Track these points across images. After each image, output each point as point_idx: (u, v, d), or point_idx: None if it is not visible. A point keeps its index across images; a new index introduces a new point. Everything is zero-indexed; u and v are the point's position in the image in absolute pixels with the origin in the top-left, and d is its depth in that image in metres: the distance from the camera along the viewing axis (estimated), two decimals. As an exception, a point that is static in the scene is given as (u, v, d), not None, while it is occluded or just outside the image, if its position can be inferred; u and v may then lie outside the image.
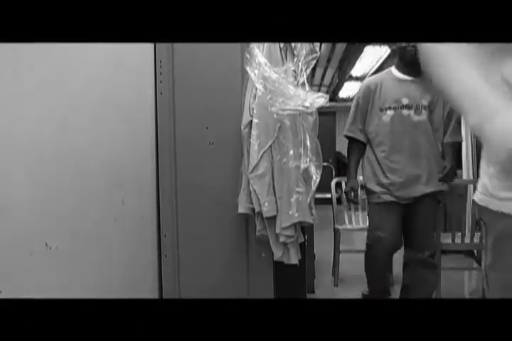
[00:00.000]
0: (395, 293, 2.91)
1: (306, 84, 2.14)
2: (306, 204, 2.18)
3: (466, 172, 4.39)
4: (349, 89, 8.91)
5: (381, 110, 2.60)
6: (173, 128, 2.32)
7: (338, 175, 7.77)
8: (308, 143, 2.16)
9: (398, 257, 2.78)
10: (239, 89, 2.25)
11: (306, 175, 2.18)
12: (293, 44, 2.17)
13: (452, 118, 2.61)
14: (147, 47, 2.28)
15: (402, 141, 2.56)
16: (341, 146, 8.90)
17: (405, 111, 2.55)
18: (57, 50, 1.42)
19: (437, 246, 2.90)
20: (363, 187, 2.73)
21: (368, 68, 6.88)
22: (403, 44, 2.50)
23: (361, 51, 5.88)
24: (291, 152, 2.13)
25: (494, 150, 0.85)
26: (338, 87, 8.91)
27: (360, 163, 2.76)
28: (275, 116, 2.09)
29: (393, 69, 2.66)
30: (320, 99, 2.03)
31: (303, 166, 2.15)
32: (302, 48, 2.14)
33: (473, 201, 1.04)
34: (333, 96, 9.53)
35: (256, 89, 2.10)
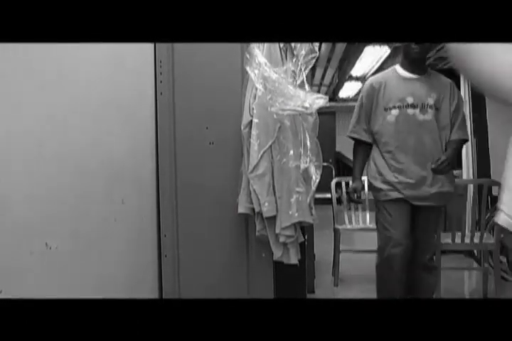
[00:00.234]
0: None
1: (306, 84, 2.14)
2: (306, 204, 2.17)
3: (466, 172, 4.38)
4: (349, 89, 8.94)
5: (385, 109, 2.54)
6: (173, 128, 2.32)
7: (338, 175, 7.78)
8: (308, 143, 2.16)
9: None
10: (239, 89, 2.25)
11: (306, 175, 2.18)
12: (292, 44, 2.17)
13: (459, 115, 2.56)
14: (147, 47, 2.27)
15: (407, 141, 2.50)
16: (341, 146, 8.90)
17: (410, 111, 2.50)
18: (57, 50, 1.42)
19: (437, 246, 2.90)
20: (369, 187, 2.69)
21: (368, 68, 6.88)
22: None
23: (361, 51, 5.88)
24: (291, 152, 2.13)
25: None
26: (338, 86, 8.92)
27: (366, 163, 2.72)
28: (275, 116, 2.09)
29: (398, 68, 2.60)
30: (319, 100, 2.03)
31: (303, 166, 2.15)
32: (302, 48, 2.14)
33: (495, 223, 0.90)
34: (333, 96, 9.55)
35: (256, 89, 2.10)
